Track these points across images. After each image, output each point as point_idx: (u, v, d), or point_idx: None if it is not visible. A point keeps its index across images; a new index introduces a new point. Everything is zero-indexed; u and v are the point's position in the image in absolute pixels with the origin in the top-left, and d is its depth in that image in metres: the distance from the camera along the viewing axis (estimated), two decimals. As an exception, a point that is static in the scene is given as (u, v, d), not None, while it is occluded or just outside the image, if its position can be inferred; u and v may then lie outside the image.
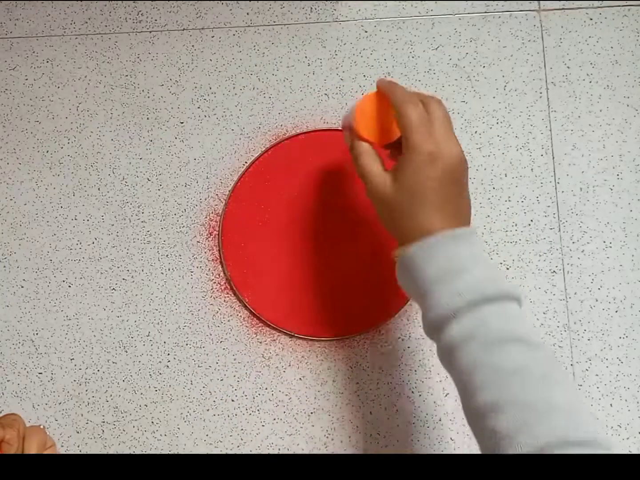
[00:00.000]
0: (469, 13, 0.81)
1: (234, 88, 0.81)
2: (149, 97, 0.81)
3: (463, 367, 0.53)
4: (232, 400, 0.74)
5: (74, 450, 0.74)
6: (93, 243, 0.78)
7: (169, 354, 0.75)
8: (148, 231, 0.78)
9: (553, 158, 0.78)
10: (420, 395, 0.74)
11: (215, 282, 0.76)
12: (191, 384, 0.75)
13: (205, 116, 0.80)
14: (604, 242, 0.76)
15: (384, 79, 0.63)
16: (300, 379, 0.75)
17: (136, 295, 0.77)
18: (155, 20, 0.82)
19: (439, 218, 0.56)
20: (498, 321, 0.53)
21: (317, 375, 0.75)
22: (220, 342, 0.75)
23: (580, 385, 0.73)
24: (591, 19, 0.80)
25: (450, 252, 0.55)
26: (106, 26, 0.82)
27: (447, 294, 0.54)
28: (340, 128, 0.78)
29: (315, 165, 0.78)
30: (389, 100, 0.61)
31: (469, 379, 0.52)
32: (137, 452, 0.74)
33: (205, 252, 0.77)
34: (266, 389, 0.75)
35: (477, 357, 0.52)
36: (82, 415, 0.75)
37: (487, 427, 0.51)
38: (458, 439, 0.73)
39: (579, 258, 0.76)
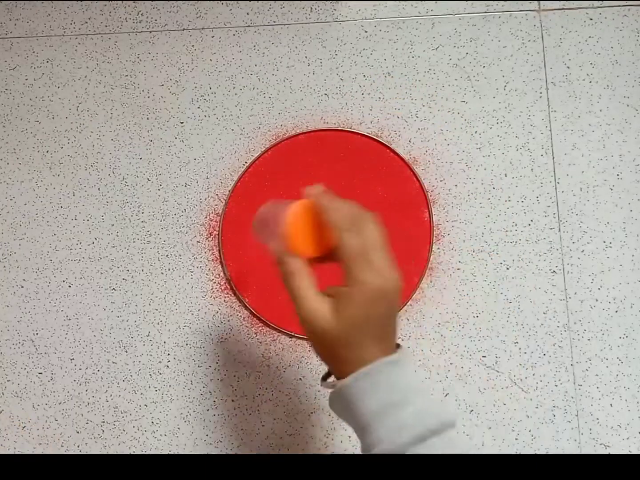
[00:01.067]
0: (469, 13, 0.81)
1: (234, 88, 0.81)
2: (149, 97, 0.81)
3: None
4: (232, 400, 0.74)
5: (74, 450, 0.74)
6: (93, 243, 0.78)
7: (169, 354, 0.75)
8: (148, 231, 0.78)
9: (553, 158, 0.78)
10: (420, 395, 0.74)
11: (215, 282, 0.76)
12: (191, 384, 0.75)
13: (205, 116, 0.80)
14: (604, 242, 0.76)
15: (312, 188, 0.58)
16: (300, 379, 0.75)
17: (136, 295, 0.77)
18: (155, 20, 0.82)
19: (380, 349, 0.53)
20: (443, 452, 0.50)
21: (317, 375, 0.74)
22: (220, 342, 0.75)
23: (580, 386, 0.73)
24: (591, 19, 0.80)
25: (391, 381, 0.52)
26: (106, 26, 0.82)
27: (391, 430, 0.51)
28: (339, 128, 0.78)
29: (315, 165, 0.78)
30: (318, 209, 0.56)
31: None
32: (137, 452, 0.74)
33: (205, 252, 0.77)
34: (266, 389, 0.74)
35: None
36: (82, 415, 0.75)
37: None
38: (457, 439, 0.73)
39: (579, 258, 0.75)
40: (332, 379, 0.56)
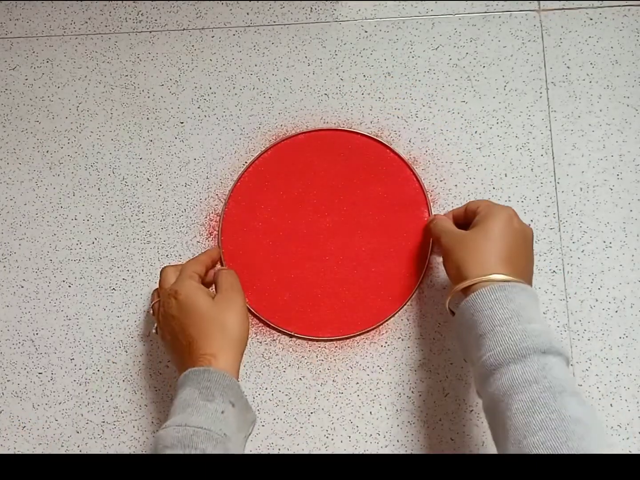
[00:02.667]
0: (469, 13, 0.81)
1: (234, 88, 0.81)
2: (149, 97, 0.81)
3: (522, 408, 0.53)
4: (232, 400, 0.74)
5: (74, 451, 0.75)
6: (93, 243, 0.78)
7: (169, 354, 0.75)
8: (148, 231, 0.78)
9: (553, 158, 0.78)
10: (420, 395, 0.74)
11: (215, 282, 0.76)
12: (191, 384, 0.75)
13: (205, 116, 0.80)
14: (604, 242, 0.76)
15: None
16: (300, 379, 0.75)
17: (136, 295, 0.77)
18: (155, 20, 0.83)
19: (510, 268, 0.62)
20: (561, 373, 0.55)
21: (317, 375, 0.75)
22: (220, 342, 0.75)
23: (580, 386, 0.73)
24: (591, 19, 0.81)
25: (523, 303, 0.59)
26: (106, 26, 0.83)
27: (517, 334, 0.56)
28: (339, 128, 0.79)
29: (315, 165, 0.78)
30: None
31: (528, 419, 0.52)
32: (138, 452, 0.74)
33: (205, 252, 0.77)
34: (266, 389, 0.75)
35: (540, 399, 0.53)
36: (82, 415, 0.75)
37: None
38: (458, 439, 0.73)
39: (579, 258, 0.76)
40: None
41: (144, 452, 0.74)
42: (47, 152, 0.80)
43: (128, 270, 0.77)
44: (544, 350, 0.55)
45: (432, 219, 0.72)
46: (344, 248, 0.76)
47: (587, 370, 0.73)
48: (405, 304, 0.75)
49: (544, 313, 0.75)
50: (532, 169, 0.78)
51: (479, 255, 0.62)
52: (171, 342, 0.65)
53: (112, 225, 0.78)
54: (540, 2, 0.81)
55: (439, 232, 0.69)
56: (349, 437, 0.73)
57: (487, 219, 0.65)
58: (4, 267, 0.78)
